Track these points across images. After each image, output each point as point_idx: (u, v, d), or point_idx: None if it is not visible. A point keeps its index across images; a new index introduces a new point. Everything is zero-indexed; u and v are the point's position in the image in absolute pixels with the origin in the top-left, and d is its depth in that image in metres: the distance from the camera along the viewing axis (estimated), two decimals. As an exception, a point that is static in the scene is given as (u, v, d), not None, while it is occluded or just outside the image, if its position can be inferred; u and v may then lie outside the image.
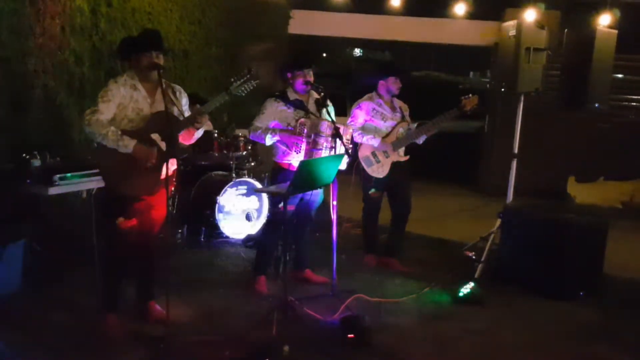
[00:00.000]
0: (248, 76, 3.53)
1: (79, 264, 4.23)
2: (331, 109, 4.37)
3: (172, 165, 3.65)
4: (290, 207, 4.19)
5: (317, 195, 4.41)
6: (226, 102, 3.62)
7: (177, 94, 3.65)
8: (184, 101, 3.70)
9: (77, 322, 3.67)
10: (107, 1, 5.15)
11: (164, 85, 3.38)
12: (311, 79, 4.29)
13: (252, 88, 3.58)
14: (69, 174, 3.95)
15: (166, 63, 5.56)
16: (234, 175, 5.65)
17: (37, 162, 4.05)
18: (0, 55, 4.13)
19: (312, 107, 4.34)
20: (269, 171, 4.77)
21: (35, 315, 3.74)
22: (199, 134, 3.69)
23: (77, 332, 3.55)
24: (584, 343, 3.84)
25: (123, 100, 3.43)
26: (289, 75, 4.35)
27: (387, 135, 4.87)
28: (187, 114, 3.63)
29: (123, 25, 5.35)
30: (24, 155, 4.08)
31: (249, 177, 5.74)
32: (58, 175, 3.89)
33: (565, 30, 4.85)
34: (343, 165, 4.12)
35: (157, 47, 3.48)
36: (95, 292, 3.72)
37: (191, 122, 3.50)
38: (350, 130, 4.55)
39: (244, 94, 3.58)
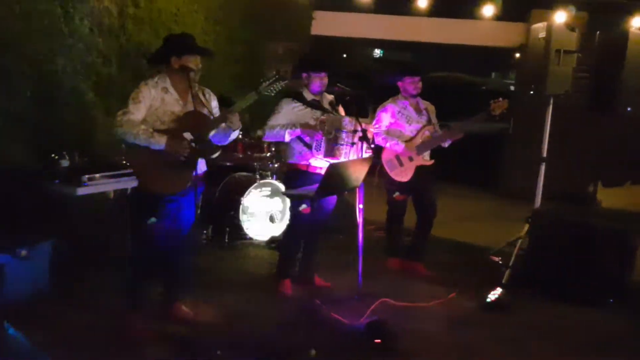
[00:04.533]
0: (277, 77, 3.55)
1: (105, 264, 4.25)
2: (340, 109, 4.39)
3: (203, 167, 3.68)
4: (306, 210, 4.17)
5: (332, 197, 4.37)
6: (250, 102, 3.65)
7: (207, 96, 3.69)
8: (214, 103, 3.72)
9: (103, 322, 3.69)
10: (134, 2, 5.18)
11: (196, 87, 3.43)
12: (326, 81, 4.29)
13: (280, 88, 3.60)
14: (97, 175, 3.99)
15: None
16: (257, 176, 5.65)
17: (65, 162, 4.08)
18: (31, 56, 4.16)
19: (327, 107, 4.33)
20: (283, 173, 4.72)
21: (62, 314, 3.77)
22: (234, 135, 3.70)
23: (103, 332, 3.57)
24: (613, 352, 3.78)
25: (154, 102, 3.45)
26: (305, 75, 4.34)
27: (412, 138, 4.82)
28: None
29: (150, 26, 5.38)
30: (52, 155, 4.12)
31: (272, 178, 5.73)
32: (86, 176, 3.92)
33: (597, 32, 4.77)
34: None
35: (193, 50, 3.51)
36: (122, 292, 3.73)
37: (222, 121, 3.52)
38: (373, 130, 4.51)
39: (272, 94, 3.61)
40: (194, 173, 3.47)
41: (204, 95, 3.65)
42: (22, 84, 4.13)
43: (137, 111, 3.41)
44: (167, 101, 3.49)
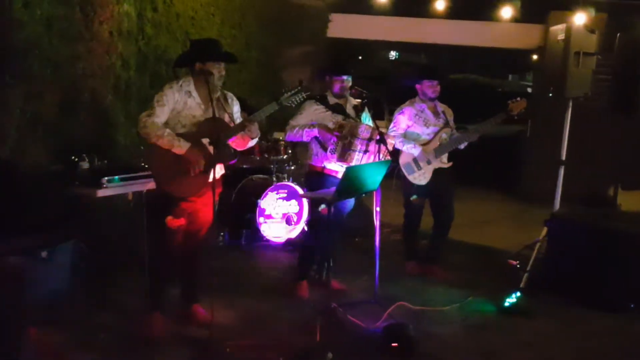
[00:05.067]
0: (299, 88, 3.60)
1: (125, 265, 4.29)
2: (366, 114, 4.40)
3: (220, 170, 3.71)
4: (324, 210, 4.17)
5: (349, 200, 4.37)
6: (265, 105, 3.70)
7: (229, 100, 3.74)
8: (236, 108, 3.77)
9: (124, 323, 3.72)
10: (152, 6, 5.22)
11: (218, 92, 3.50)
12: (348, 85, 4.34)
13: (302, 100, 3.64)
14: (116, 177, 4.03)
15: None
16: (274, 178, 5.67)
17: (85, 165, 4.13)
18: (51, 60, 4.21)
19: (350, 111, 4.37)
20: (303, 174, 4.76)
21: (83, 316, 3.80)
22: (252, 142, 3.78)
23: (124, 333, 3.60)
24: (634, 358, 3.71)
25: (177, 106, 3.51)
26: (327, 79, 4.40)
27: (430, 141, 4.79)
28: (238, 120, 3.71)
29: (168, 29, 5.42)
30: (72, 157, 4.17)
31: (289, 180, 5.74)
32: (106, 178, 3.96)
33: (618, 34, 4.71)
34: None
35: (217, 57, 3.54)
36: (142, 292, 3.76)
37: (241, 130, 3.57)
38: (392, 141, 4.52)
39: (293, 105, 3.66)
40: (210, 176, 3.52)
41: (225, 99, 3.70)
42: (43, 87, 4.18)
43: (162, 114, 3.47)
44: (189, 105, 3.54)
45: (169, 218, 3.55)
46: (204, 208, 3.66)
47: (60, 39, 4.29)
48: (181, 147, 3.42)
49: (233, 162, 3.70)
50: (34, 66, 4.08)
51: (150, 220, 3.78)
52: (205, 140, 3.50)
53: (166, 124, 3.48)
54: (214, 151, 3.47)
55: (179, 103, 3.51)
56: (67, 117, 4.42)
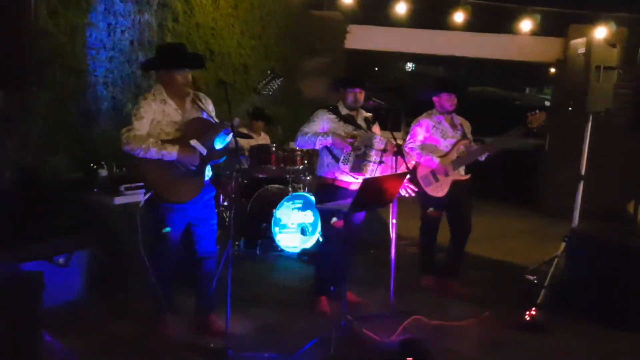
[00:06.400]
0: (272, 76, 3.60)
1: (140, 271, 4.29)
2: (376, 127, 4.39)
3: (208, 172, 3.71)
4: (339, 223, 4.15)
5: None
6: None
7: (203, 100, 3.71)
8: (211, 107, 3.74)
9: (139, 329, 3.73)
10: (173, 16, 5.29)
11: (191, 95, 3.55)
12: (361, 97, 4.30)
13: (277, 86, 3.65)
14: (133, 184, 4.07)
15: (227, 77, 5.70)
16: (290, 188, 5.67)
17: (104, 172, 4.18)
18: (74, 68, 4.28)
19: (361, 123, 4.34)
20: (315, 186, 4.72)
21: (98, 321, 3.83)
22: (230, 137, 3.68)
23: (139, 339, 3.61)
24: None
25: (156, 116, 3.49)
26: (341, 90, 4.38)
27: (447, 153, 4.77)
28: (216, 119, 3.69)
29: (188, 39, 5.49)
30: (91, 165, 4.22)
31: (304, 191, 5.75)
32: (124, 186, 4.00)
33: (640, 48, 4.67)
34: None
35: (180, 64, 3.51)
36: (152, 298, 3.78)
37: (225, 126, 3.53)
38: (413, 162, 4.50)
39: (270, 93, 3.65)
40: (205, 177, 3.54)
41: (200, 100, 3.68)
42: (66, 95, 4.24)
43: (142, 127, 3.43)
44: (167, 112, 3.53)
45: (168, 231, 3.54)
46: (203, 211, 3.66)
47: (82, 47, 4.36)
48: (170, 154, 3.40)
49: (222, 160, 3.68)
50: (58, 73, 4.15)
51: (149, 228, 3.72)
52: (194, 142, 3.48)
53: (149, 135, 3.44)
54: (206, 151, 3.46)
55: (158, 112, 3.48)
56: (87, 124, 4.48)
